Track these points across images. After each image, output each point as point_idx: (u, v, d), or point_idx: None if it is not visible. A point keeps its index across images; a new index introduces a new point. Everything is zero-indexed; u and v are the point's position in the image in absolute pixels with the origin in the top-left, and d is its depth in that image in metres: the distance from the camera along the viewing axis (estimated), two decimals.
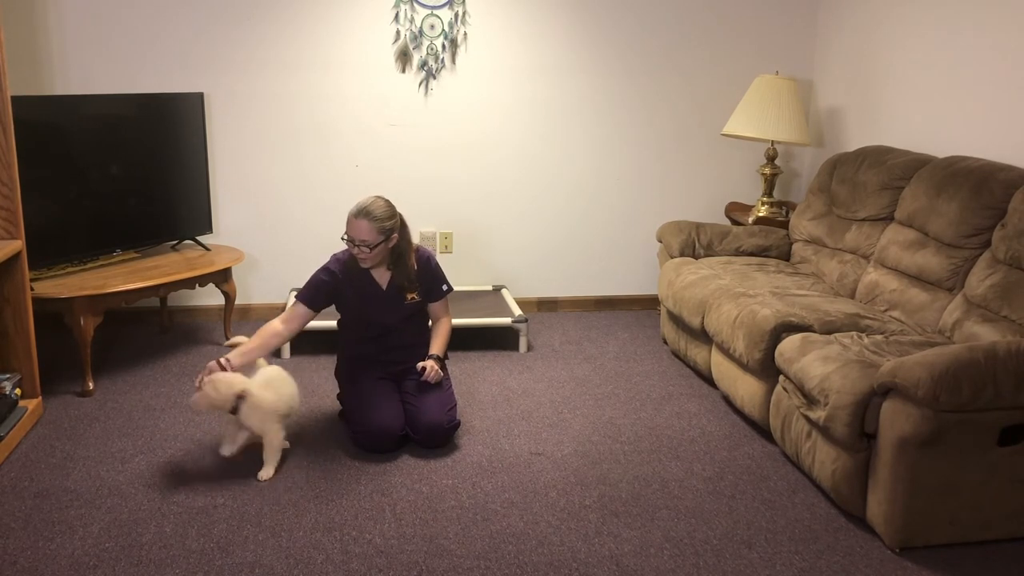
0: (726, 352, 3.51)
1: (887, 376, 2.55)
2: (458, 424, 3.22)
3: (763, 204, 4.54)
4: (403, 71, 4.45)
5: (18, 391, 3.25)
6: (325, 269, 3.24)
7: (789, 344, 3.08)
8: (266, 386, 3.00)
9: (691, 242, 4.24)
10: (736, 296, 3.52)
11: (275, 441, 2.97)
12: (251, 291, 4.60)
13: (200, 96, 4.16)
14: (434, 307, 3.35)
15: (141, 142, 3.97)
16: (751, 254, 4.24)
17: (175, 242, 4.22)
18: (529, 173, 4.69)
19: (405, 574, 2.44)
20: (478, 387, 3.76)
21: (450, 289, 3.36)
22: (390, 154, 4.55)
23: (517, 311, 4.28)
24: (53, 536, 2.59)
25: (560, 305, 4.89)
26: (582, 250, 4.84)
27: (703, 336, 3.75)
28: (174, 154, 4.09)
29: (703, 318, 3.66)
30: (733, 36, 4.68)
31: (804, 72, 4.79)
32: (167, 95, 4.06)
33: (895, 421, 2.53)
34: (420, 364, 3.22)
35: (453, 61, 4.47)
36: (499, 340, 4.30)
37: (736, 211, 4.75)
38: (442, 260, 4.63)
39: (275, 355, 4.06)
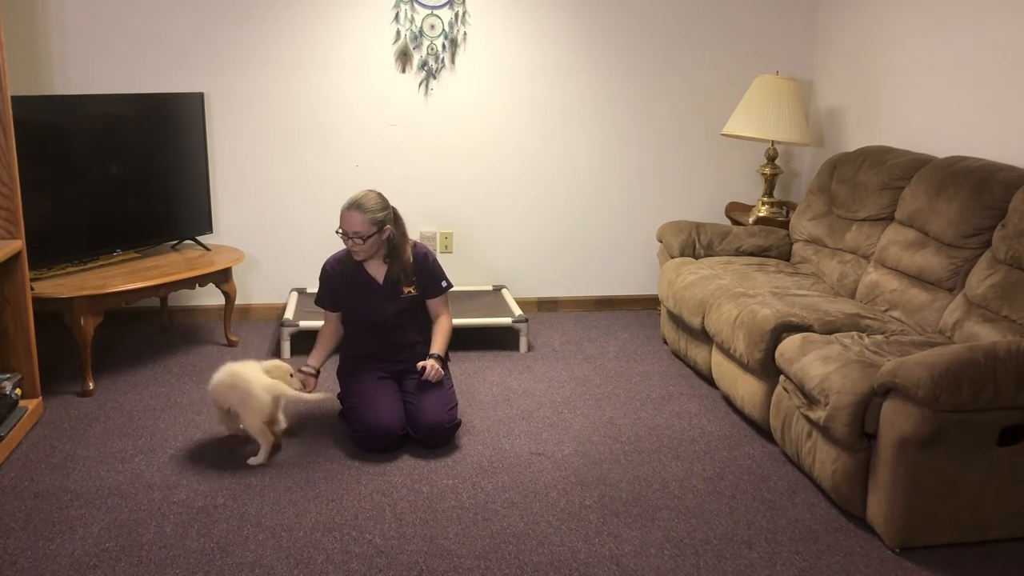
0: (726, 352, 3.51)
1: (887, 376, 2.55)
2: (459, 424, 3.22)
3: (763, 204, 4.54)
4: (403, 71, 4.45)
5: (18, 391, 3.25)
6: (323, 269, 3.33)
7: (789, 344, 3.08)
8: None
9: (691, 242, 4.24)
10: (736, 296, 3.52)
11: (255, 430, 3.03)
12: (251, 291, 4.60)
13: (200, 96, 4.16)
14: (433, 304, 3.36)
15: (141, 142, 3.97)
16: (751, 254, 4.24)
17: (175, 242, 4.22)
18: (529, 173, 4.69)
19: (405, 574, 2.44)
20: (478, 387, 3.76)
21: (449, 285, 3.37)
22: (390, 154, 4.55)
23: (517, 311, 4.28)
24: (53, 536, 2.59)
25: (560, 305, 4.89)
26: (582, 250, 4.84)
27: (703, 336, 3.75)
28: (174, 154, 4.09)
29: (703, 318, 3.66)
30: (733, 36, 4.68)
31: (804, 72, 4.79)
32: (167, 95, 4.06)
33: (895, 421, 2.53)
34: (421, 364, 3.22)
35: (453, 61, 4.47)
36: (499, 340, 4.30)
37: (736, 211, 4.76)
38: (442, 260, 4.61)
39: (276, 355, 4.07)
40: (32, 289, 3.38)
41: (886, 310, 3.48)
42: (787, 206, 4.62)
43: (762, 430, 3.36)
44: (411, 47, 4.42)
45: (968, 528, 2.62)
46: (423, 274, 3.31)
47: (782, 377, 3.11)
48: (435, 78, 4.48)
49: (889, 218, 3.73)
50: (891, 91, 4.15)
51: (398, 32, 4.39)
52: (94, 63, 4.18)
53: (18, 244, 3.21)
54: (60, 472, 2.96)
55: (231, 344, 4.19)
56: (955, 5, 3.73)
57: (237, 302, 4.45)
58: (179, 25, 4.22)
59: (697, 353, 3.86)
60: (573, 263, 4.85)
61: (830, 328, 3.19)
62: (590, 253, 4.85)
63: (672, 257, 4.24)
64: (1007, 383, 2.47)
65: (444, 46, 4.44)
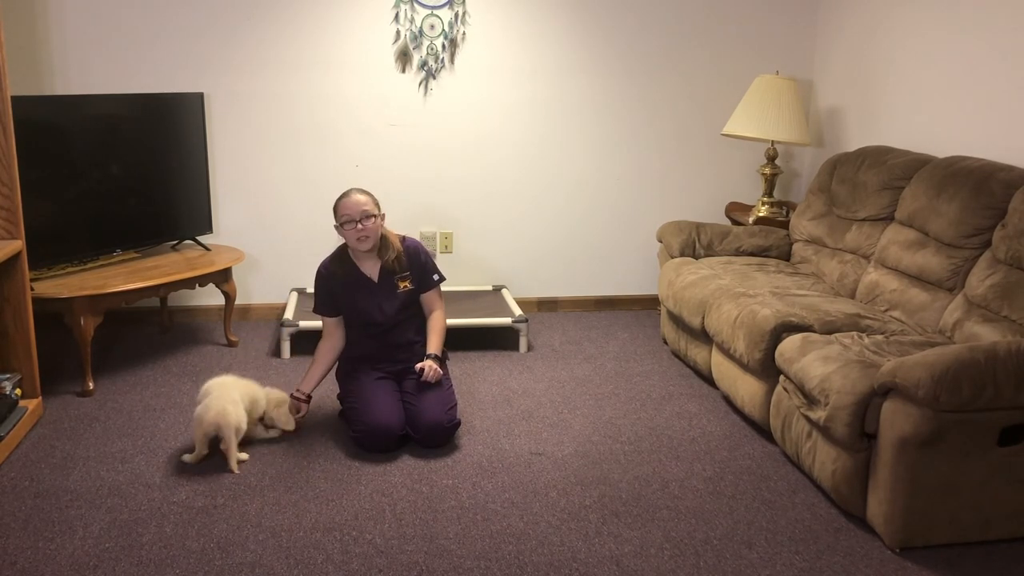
0: (726, 352, 3.51)
1: (887, 376, 2.55)
2: (458, 424, 3.22)
3: (763, 204, 4.54)
4: (403, 71, 4.45)
5: (18, 391, 3.25)
6: (317, 275, 3.33)
7: (789, 344, 3.08)
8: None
9: (691, 242, 4.24)
10: (736, 296, 3.52)
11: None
12: (251, 291, 4.60)
13: (200, 96, 4.16)
14: (427, 297, 3.36)
15: (141, 142, 3.97)
16: (751, 254, 4.24)
17: (175, 242, 4.22)
18: (529, 173, 4.69)
19: (405, 574, 2.44)
20: (478, 387, 3.76)
21: (442, 278, 3.38)
22: (390, 154, 4.55)
23: (517, 311, 4.28)
24: (53, 536, 2.59)
25: (560, 305, 4.89)
26: (582, 250, 4.84)
27: (703, 336, 3.75)
28: (174, 154, 4.09)
29: (703, 318, 3.66)
30: (733, 36, 4.68)
31: (804, 72, 4.79)
32: (167, 95, 4.06)
33: (895, 421, 2.53)
34: (419, 365, 3.22)
35: (453, 61, 4.47)
36: (499, 340, 4.30)
37: (736, 211, 4.76)
38: (442, 260, 4.63)
39: (275, 355, 4.07)
40: (32, 289, 3.38)
41: (886, 310, 3.48)
42: (787, 206, 4.62)
43: (762, 430, 3.36)
44: (411, 47, 4.42)
45: (968, 528, 2.62)
46: (416, 267, 3.32)
47: (782, 377, 3.11)
48: (435, 78, 4.48)
49: (889, 218, 3.73)
50: (891, 91, 4.15)
51: (398, 32, 4.39)
52: (94, 63, 4.18)
53: (18, 244, 3.21)
54: (60, 472, 2.96)
55: (231, 344, 4.19)
56: (955, 5, 3.73)
57: (237, 302, 4.45)
58: (179, 25, 4.22)
59: (697, 353, 3.86)
60: (573, 263, 4.85)
61: (830, 328, 3.19)
62: (590, 253, 4.85)
63: (672, 257, 4.24)
64: (1007, 383, 2.46)
65: (444, 46, 4.44)
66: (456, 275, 4.67)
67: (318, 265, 3.35)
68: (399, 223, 4.46)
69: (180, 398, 3.58)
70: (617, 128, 4.70)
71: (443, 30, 4.41)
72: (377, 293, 3.27)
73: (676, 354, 4.18)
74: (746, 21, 4.67)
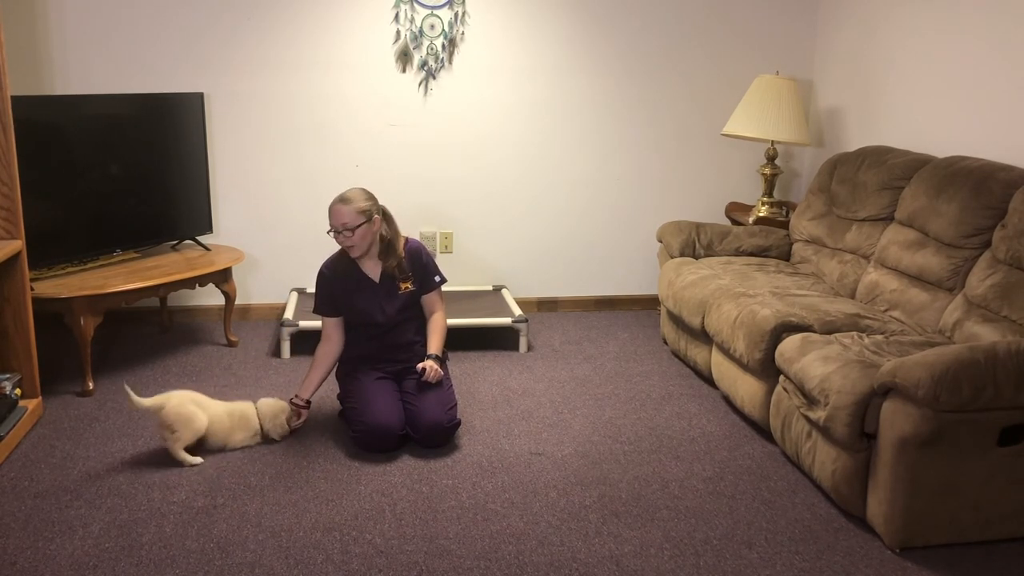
0: (726, 352, 3.51)
1: (887, 376, 2.55)
2: (458, 424, 3.22)
3: (763, 204, 4.54)
4: (403, 71, 4.45)
5: (18, 391, 3.25)
6: (319, 275, 3.31)
7: (789, 344, 3.08)
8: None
9: (691, 242, 4.24)
10: (736, 296, 3.52)
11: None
12: (251, 291, 4.60)
13: (200, 96, 4.16)
14: (428, 298, 3.36)
15: (141, 142, 3.97)
16: (751, 254, 4.24)
17: (175, 242, 4.22)
18: (529, 173, 4.69)
19: (405, 574, 2.44)
20: (478, 387, 3.76)
21: (443, 280, 3.37)
22: (390, 154, 4.55)
23: (517, 311, 4.28)
24: (53, 536, 2.59)
25: (560, 305, 4.89)
26: (582, 250, 4.84)
27: (703, 336, 3.75)
28: (174, 154, 4.09)
29: (703, 318, 3.66)
30: (733, 36, 4.68)
31: (804, 72, 4.79)
32: (167, 95, 4.06)
33: (895, 421, 2.53)
34: (420, 365, 3.22)
35: (452, 61, 4.47)
36: (499, 340, 4.30)
37: (736, 211, 4.76)
38: (442, 260, 4.63)
39: (275, 355, 4.07)
40: (32, 289, 3.38)
41: (886, 310, 3.48)
42: (787, 206, 4.62)
43: (762, 430, 3.36)
44: (411, 47, 4.42)
45: (968, 528, 2.62)
46: (417, 269, 3.31)
47: (782, 377, 3.11)
48: (435, 78, 4.48)
49: (889, 218, 3.73)
50: (891, 91, 4.15)
51: (398, 32, 4.39)
52: (94, 63, 4.18)
53: (18, 244, 3.21)
54: (60, 472, 2.96)
55: (231, 344, 4.19)
56: (955, 5, 3.73)
57: (237, 302, 4.45)
58: (179, 25, 4.22)
59: (697, 353, 3.86)
60: (573, 263, 4.85)
61: (830, 328, 3.19)
62: (590, 253, 4.85)
63: (672, 257, 4.24)
64: (1007, 383, 2.47)
65: (444, 46, 4.44)
66: (456, 275, 4.67)
67: (319, 265, 3.34)
68: (399, 223, 4.44)
69: None
70: (617, 128, 4.70)
71: (443, 30, 4.41)
72: (378, 294, 3.27)
73: (676, 354, 4.18)
74: (746, 21, 4.67)
